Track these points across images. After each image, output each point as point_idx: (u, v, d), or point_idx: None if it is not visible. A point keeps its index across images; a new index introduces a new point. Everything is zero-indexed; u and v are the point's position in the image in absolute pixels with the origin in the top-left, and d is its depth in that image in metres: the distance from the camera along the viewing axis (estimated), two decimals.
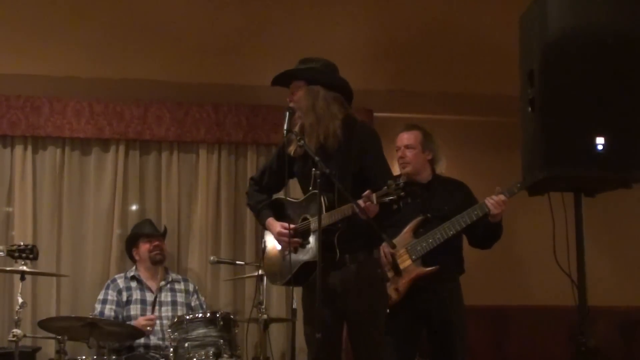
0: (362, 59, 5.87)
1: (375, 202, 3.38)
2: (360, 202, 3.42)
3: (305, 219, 3.68)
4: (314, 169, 3.50)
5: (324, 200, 3.54)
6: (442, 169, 4.54)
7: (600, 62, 3.06)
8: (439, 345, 4.35)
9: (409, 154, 4.46)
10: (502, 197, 4.19)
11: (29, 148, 5.64)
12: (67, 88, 5.71)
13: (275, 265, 3.88)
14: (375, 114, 5.84)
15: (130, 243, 5.40)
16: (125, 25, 5.85)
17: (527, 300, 5.92)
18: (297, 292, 5.14)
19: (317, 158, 3.49)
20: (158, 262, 5.31)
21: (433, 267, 4.25)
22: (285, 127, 3.62)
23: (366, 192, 3.41)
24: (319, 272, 3.37)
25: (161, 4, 5.92)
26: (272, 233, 3.79)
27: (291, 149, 3.73)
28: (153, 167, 5.81)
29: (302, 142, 3.58)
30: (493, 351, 5.94)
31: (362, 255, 3.62)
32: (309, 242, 3.64)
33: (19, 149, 5.63)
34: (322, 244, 3.46)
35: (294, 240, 3.65)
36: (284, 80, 3.82)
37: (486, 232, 4.34)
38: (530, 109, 3.18)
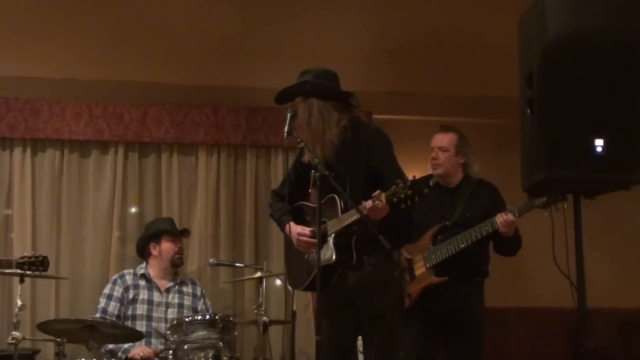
0: (362, 61, 5.88)
1: (384, 201, 3.38)
2: (369, 202, 3.43)
3: (323, 222, 3.69)
4: (313, 172, 3.52)
5: (341, 203, 3.56)
6: (475, 173, 4.52)
7: (599, 63, 3.05)
8: (451, 349, 4.36)
9: (441, 156, 4.44)
10: (510, 216, 4.19)
11: (28, 150, 5.64)
12: (66, 90, 5.72)
13: (294, 269, 3.90)
14: (375, 116, 5.84)
15: (152, 237, 5.31)
16: (124, 27, 5.86)
17: (527, 302, 5.93)
18: (298, 295, 5.17)
19: (316, 160, 3.51)
20: (177, 266, 5.30)
21: (442, 279, 4.26)
22: (285, 129, 3.63)
23: (375, 193, 3.42)
24: (319, 275, 3.39)
25: (160, 7, 5.93)
26: (292, 236, 3.79)
27: (306, 158, 3.74)
28: (152, 169, 5.81)
29: (302, 144, 3.60)
30: (492, 353, 5.91)
31: (380, 257, 3.61)
32: (327, 246, 3.63)
33: (18, 152, 5.63)
34: (341, 248, 3.52)
35: (312, 240, 3.65)
36: (287, 97, 3.82)
37: (504, 243, 4.36)
38: (529, 110, 3.18)
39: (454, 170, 4.45)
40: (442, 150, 4.44)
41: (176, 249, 5.27)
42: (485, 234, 4.23)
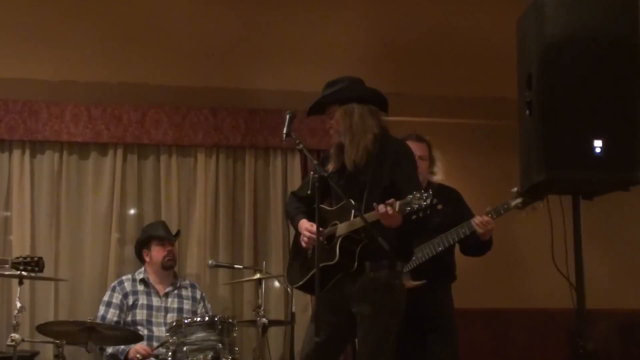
0: (361, 63, 5.87)
1: (397, 209, 3.39)
2: (382, 206, 3.44)
3: (335, 224, 3.71)
4: (312, 172, 3.54)
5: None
6: (437, 178, 4.51)
7: (597, 64, 3.06)
8: (430, 349, 4.37)
9: (422, 165, 4.32)
10: (487, 217, 4.22)
11: (27, 152, 5.63)
12: (65, 92, 5.71)
13: (295, 266, 3.92)
14: None
15: (142, 244, 5.35)
16: (123, 29, 5.85)
17: (526, 303, 5.92)
18: (296, 296, 5.17)
19: (315, 161, 3.55)
20: (169, 268, 5.30)
21: (421, 282, 4.24)
22: (285, 130, 3.66)
23: (390, 200, 3.43)
24: (317, 277, 3.41)
25: (158, 9, 5.92)
26: (300, 230, 3.81)
27: (329, 167, 3.77)
28: (151, 171, 5.81)
29: (300, 145, 3.63)
30: (492, 354, 5.93)
31: (383, 265, 3.62)
32: (332, 247, 3.64)
33: (16, 154, 5.62)
34: (345, 252, 3.56)
35: (313, 237, 3.65)
36: (318, 108, 3.85)
37: (476, 245, 4.37)
38: (528, 112, 3.19)
39: (424, 179, 4.40)
40: (423, 159, 4.39)
41: (164, 253, 5.27)
42: (462, 236, 4.26)
